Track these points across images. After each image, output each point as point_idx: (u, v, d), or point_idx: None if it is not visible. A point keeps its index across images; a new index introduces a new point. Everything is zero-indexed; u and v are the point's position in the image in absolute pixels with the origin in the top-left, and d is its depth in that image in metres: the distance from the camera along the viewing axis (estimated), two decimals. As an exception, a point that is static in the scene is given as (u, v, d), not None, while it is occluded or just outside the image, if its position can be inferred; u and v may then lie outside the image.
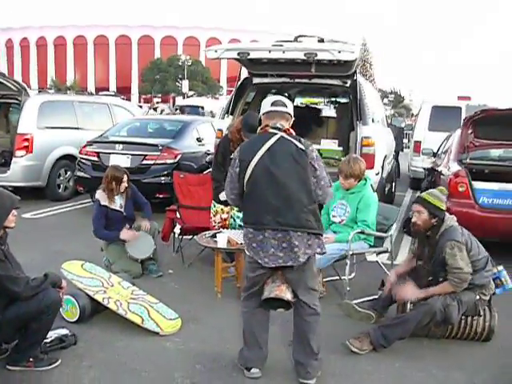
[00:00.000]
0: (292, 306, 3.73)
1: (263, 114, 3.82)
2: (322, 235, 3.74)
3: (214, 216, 6.07)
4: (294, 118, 3.85)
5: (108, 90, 57.54)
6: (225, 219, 6.01)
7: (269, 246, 3.59)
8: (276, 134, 3.67)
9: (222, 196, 5.91)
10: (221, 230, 5.74)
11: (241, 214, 5.86)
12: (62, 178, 10.38)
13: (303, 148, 3.65)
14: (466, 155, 7.72)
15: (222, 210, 5.99)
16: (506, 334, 4.70)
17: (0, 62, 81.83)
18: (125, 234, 5.92)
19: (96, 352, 4.15)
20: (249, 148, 3.75)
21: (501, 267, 4.61)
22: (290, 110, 3.82)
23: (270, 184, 3.59)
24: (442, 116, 12.19)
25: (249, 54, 6.93)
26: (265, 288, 3.70)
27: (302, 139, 3.72)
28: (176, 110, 25.38)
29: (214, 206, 6.06)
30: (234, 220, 5.99)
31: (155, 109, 27.09)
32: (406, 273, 4.70)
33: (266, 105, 3.82)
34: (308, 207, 3.60)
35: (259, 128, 3.83)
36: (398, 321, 4.31)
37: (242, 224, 3.91)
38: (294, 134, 3.74)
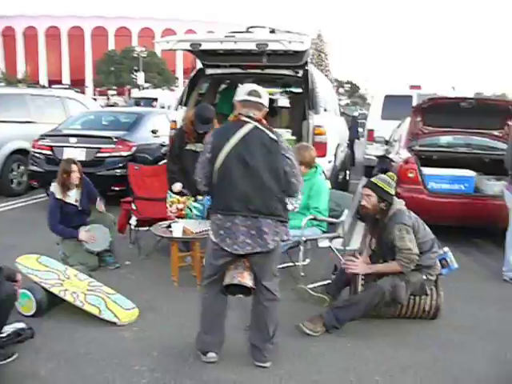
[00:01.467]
0: (252, 292, 3.81)
1: (238, 102, 3.85)
2: (287, 223, 3.83)
3: (170, 206, 6.11)
4: (267, 109, 3.91)
5: (61, 82, 56.33)
6: (181, 209, 6.06)
7: (238, 232, 3.64)
8: (249, 122, 3.72)
9: (175, 187, 6.01)
10: (176, 219, 5.80)
11: (197, 204, 5.98)
12: (15, 172, 10.24)
13: (275, 138, 3.72)
14: (415, 142, 7.96)
15: (177, 200, 6.05)
16: (451, 311, 4.93)
17: None
18: (83, 235, 5.89)
19: (53, 344, 4.17)
20: (222, 135, 3.77)
21: (446, 249, 4.81)
22: (265, 100, 3.86)
23: (243, 171, 3.64)
24: (394, 105, 12.40)
25: (201, 45, 6.96)
26: (226, 274, 3.76)
27: (273, 129, 3.79)
28: (136, 104, 25.02)
29: (170, 197, 6.11)
30: (191, 210, 6.05)
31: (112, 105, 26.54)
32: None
33: (242, 92, 3.84)
34: (277, 195, 3.69)
35: (231, 115, 3.87)
36: (349, 302, 4.46)
37: (209, 210, 3.92)
38: (265, 123, 3.81)
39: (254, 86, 3.93)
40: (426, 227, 4.66)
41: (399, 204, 4.62)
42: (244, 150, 3.65)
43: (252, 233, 3.65)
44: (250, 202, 3.63)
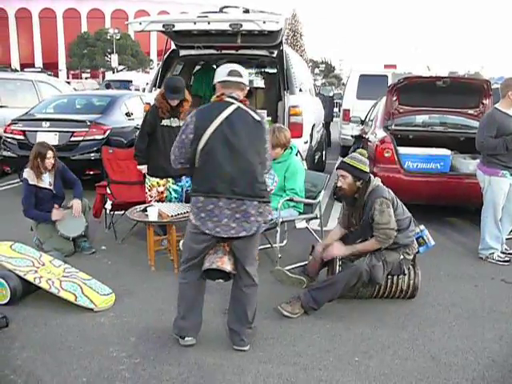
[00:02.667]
0: (232, 277, 3.77)
1: (218, 83, 3.78)
2: (270, 203, 3.80)
3: (150, 190, 6.05)
4: (248, 88, 3.86)
5: (34, 66, 55.39)
6: (161, 192, 6.01)
7: (222, 215, 3.58)
8: (233, 103, 3.66)
9: (141, 168, 5.96)
10: (152, 203, 5.74)
11: (176, 187, 5.93)
12: (-14, 158, 10.04)
13: (259, 120, 3.68)
14: (391, 122, 7.95)
15: (157, 183, 5.99)
16: (428, 290, 4.97)
17: None
18: (55, 214, 5.81)
19: (29, 332, 4.11)
20: (205, 115, 3.68)
21: (422, 227, 4.83)
22: (246, 80, 3.81)
23: (227, 153, 3.57)
24: (370, 84, 12.43)
25: (174, 26, 6.86)
26: (206, 258, 3.72)
27: (257, 111, 3.75)
28: (106, 86, 24.69)
29: (149, 181, 6.04)
30: (170, 193, 6.00)
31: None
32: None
33: (222, 73, 3.77)
34: (261, 177, 3.66)
35: (214, 96, 3.78)
36: (326, 283, 4.45)
37: (190, 193, 3.85)
38: (248, 104, 3.76)
39: (234, 66, 3.84)
40: (403, 206, 4.66)
41: (377, 181, 4.60)
42: (228, 131, 3.59)
43: (237, 216, 3.59)
44: (235, 184, 3.56)
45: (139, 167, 6.08)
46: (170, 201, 5.94)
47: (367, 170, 4.56)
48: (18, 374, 3.54)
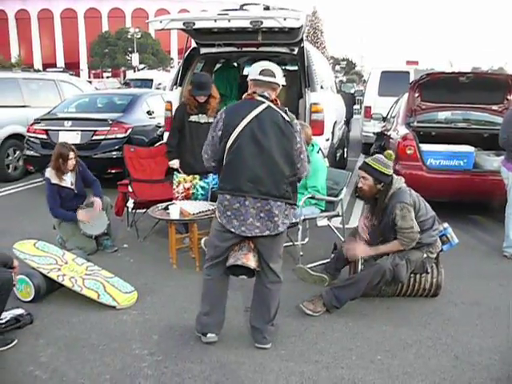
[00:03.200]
0: (255, 274, 3.77)
1: (251, 80, 3.75)
2: (296, 205, 3.78)
3: (177, 186, 6.05)
4: (281, 87, 3.81)
5: (56, 66, 55.92)
6: (188, 189, 6.01)
7: (247, 214, 3.58)
8: (263, 102, 3.63)
9: (173, 163, 5.96)
10: (174, 201, 5.75)
11: (203, 184, 5.93)
12: (10, 157, 10.17)
13: (289, 120, 3.65)
14: (413, 118, 7.89)
15: (184, 179, 5.99)
16: (452, 288, 4.91)
17: None
18: (81, 215, 5.85)
19: (53, 329, 4.15)
20: (235, 112, 3.67)
21: (446, 224, 4.77)
22: (279, 79, 3.75)
23: (255, 152, 3.56)
24: (391, 81, 12.36)
25: (194, 24, 6.85)
26: (230, 255, 3.72)
27: (287, 111, 3.70)
28: (125, 84, 24.88)
29: (177, 177, 6.05)
30: (197, 190, 6.00)
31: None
32: (356, 234, 4.83)
33: (255, 71, 3.73)
34: (289, 179, 3.62)
35: (245, 94, 3.77)
36: (349, 282, 4.42)
37: (217, 190, 3.84)
38: (279, 104, 3.72)
39: (267, 64, 3.78)
40: (427, 204, 4.60)
41: (399, 182, 4.52)
42: (257, 130, 3.57)
43: (261, 215, 3.59)
44: (262, 183, 3.55)
45: (171, 163, 6.07)
46: (197, 198, 5.94)
47: (389, 173, 4.47)
48: (43, 370, 3.58)
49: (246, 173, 3.56)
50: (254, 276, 3.80)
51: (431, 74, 7.78)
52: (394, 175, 4.56)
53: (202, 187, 6.00)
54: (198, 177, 5.98)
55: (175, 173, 6.08)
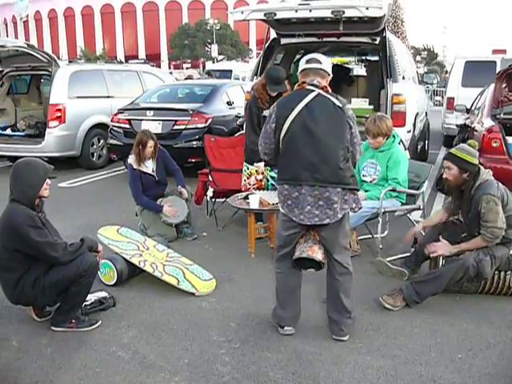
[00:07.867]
0: (323, 266, 3.75)
1: (299, 73, 3.80)
2: (358, 190, 3.76)
3: (248, 178, 6.07)
4: (331, 75, 3.81)
5: (137, 57, 57.43)
6: (260, 180, 6.02)
7: (305, 202, 3.58)
8: (313, 90, 3.65)
9: (259, 165, 5.89)
10: (253, 191, 5.77)
11: (274, 174, 5.93)
12: (95, 146, 10.55)
13: (340, 105, 3.63)
14: (499, 110, 7.58)
15: (256, 171, 6.00)
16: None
17: (30, 34, 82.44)
18: (167, 210, 5.99)
19: (134, 313, 4.28)
20: (286, 104, 3.71)
21: (535, 220, 4.55)
22: (326, 66, 3.76)
23: (308, 140, 3.58)
24: (476, 71, 11.93)
25: (275, 15, 6.86)
26: (296, 248, 3.73)
27: (338, 96, 3.70)
28: (206, 74, 25.35)
29: (248, 169, 6.08)
30: (268, 180, 6.00)
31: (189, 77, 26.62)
32: (437, 227, 4.69)
33: (302, 63, 3.80)
34: (344, 163, 3.60)
35: (296, 85, 3.80)
36: (430, 277, 4.31)
37: (276, 181, 3.88)
38: (330, 91, 3.72)
39: (313, 55, 3.83)
40: (514, 199, 4.42)
41: (487, 174, 4.33)
42: (308, 118, 3.58)
43: (320, 203, 3.57)
44: (317, 171, 3.55)
45: (257, 165, 5.95)
46: (268, 188, 5.95)
47: (475, 162, 4.28)
48: (125, 351, 3.70)
49: (300, 162, 3.58)
50: (322, 268, 3.78)
51: (521, 64, 7.45)
52: (482, 167, 4.39)
53: (273, 177, 5.99)
54: (269, 167, 5.97)
55: (246, 164, 6.08)
